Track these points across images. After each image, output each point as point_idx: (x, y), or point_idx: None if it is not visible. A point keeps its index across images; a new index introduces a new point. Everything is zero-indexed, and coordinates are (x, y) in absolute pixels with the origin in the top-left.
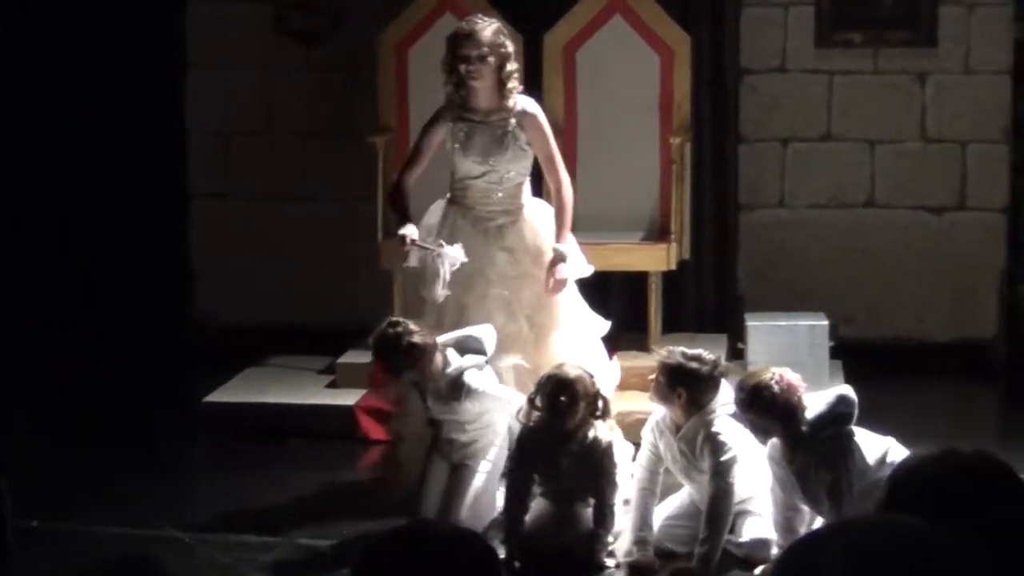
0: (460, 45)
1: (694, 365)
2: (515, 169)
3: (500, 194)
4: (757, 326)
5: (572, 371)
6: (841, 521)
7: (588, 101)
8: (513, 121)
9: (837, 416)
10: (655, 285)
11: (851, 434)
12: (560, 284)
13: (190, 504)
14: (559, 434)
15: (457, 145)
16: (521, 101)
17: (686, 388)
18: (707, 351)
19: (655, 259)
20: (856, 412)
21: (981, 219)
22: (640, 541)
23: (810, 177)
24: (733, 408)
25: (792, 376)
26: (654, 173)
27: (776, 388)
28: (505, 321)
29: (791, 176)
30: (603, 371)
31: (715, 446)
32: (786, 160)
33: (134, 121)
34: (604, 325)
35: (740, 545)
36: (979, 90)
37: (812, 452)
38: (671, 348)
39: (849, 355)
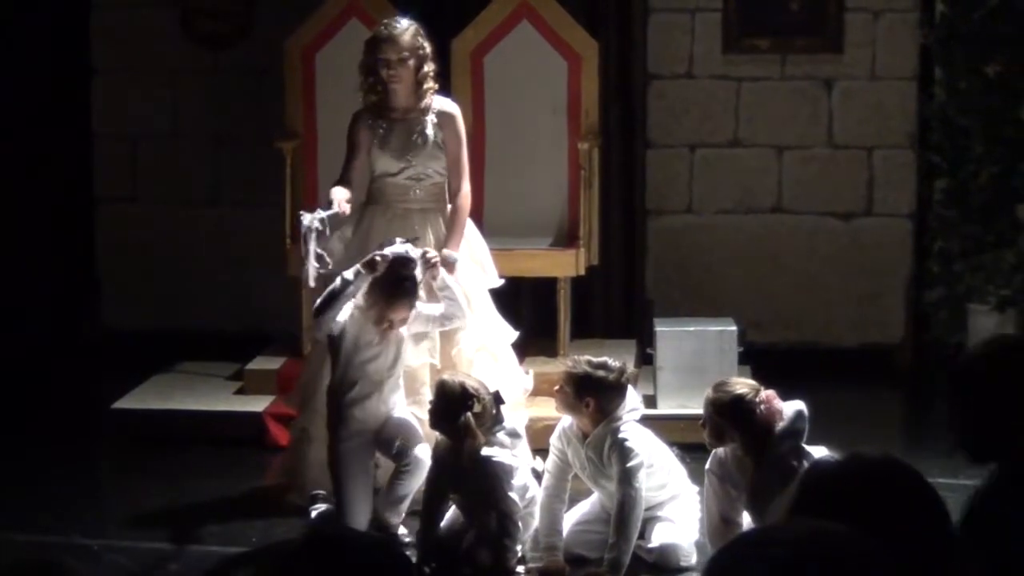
0: (380, 49)
1: (601, 374)
2: (432, 167)
3: (418, 191)
4: (666, 331)
5: (442, 378)
6: (763, 528)
7: (496, 107)
8: (433, 119)
9: (797, 432)
10: (564, 291)
11: (805, 451)
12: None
13: (98, 511)
14: (455, 445)
15: (376, 142)
16: (440, 101)
17: (593, 397)
18: (612, 358)
19: (563, 265)
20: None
21: (888, 224)
22: (550, 547)
23: (718, 182)
24: (640, 414)
25: (778, 404)
26: (562, 179)
27: (759, 409)
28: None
29: (699, 181)
30: (513, 379)
31: (622, 452)
32: (694, 165)
33: (40, 125)
34: (512, 334)
35: (650, 550)
36: (885, 96)
37: (774, 470)
38: (576, 357)
39: (757, 360)
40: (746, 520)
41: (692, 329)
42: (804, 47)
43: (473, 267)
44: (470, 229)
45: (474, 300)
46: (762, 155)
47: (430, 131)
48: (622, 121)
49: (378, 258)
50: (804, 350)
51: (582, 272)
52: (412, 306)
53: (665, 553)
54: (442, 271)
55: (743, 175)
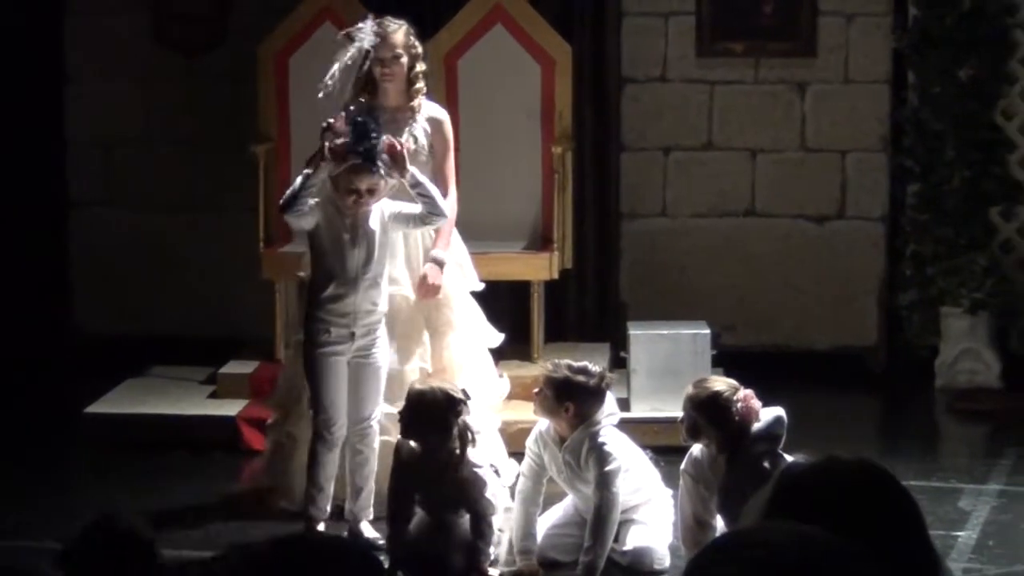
0: (375, 48)
1: (581, 379)
2: (417, 167)
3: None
4: (639, 335)
5: (417, 388)
6: (741, 531)
7: (470, 110)
8: (425, 125)
9: (773, 437)
10: (537, 294)
11: (780, 456)
12: (432, 289)
13: (71, 516)
14: (426, 451)
15: None
16: (430, 106)
17: (573, 401)
18: (592, 363)
19: (537, 268)
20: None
21: (860, 228)
22: (523, 551)
23: (691, 186)
24: (617, 419)
25: (756, 404)
26: (536, 182)
27: (736, 407)
28: (404, 321)
29: (672, 185)
30: (489, 383)
31: (600, 456)
32: (667, 169)
33: (14, 131)
34: (497, 337)
35: (624, 553)
36: (858, 99)
37: (746, 470)
38: (556, 361)
39: (731, 363)
40: (719, 522)
41: (666, 332)
42: (777, 51)
43: (455, 270)
44: (452, 233)
45: (457, 303)
46: (736, 159)
47: (421, 135)
48: (596, 124)
49: (336, 123)
50: (778, 353)
51: (556, 275)
52: (378, 174)
53: (639, 556)
54: (412, 169)
55: (717, 179)
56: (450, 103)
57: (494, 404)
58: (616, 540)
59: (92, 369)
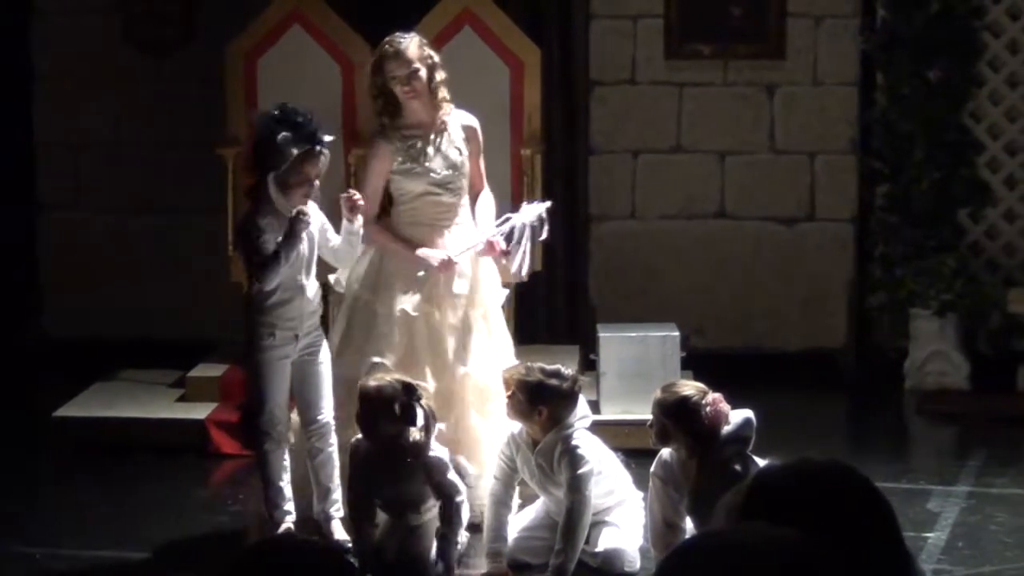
0: (388, 68)
1: (554, 382)
2: (460, 182)
3: (445, 206)
4: (609, 337)
5: (372, 384)
6: (712, 533)
7: None
8: (460, 133)
9: (743, 439)
10: (507, 297)
11: (751, 458)
12: (499, 252)
13: (40, 520)
14: (380, 446)
15: (410, 162)
16: (459, 114)
17: (546, 405)
18: (565, 366)
19: (506, 271)
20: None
21: (830, 229)
22: (494, 553)
23: (660, 188)
24: (590, 422)
25: (724, 407)
26: (505, 184)
27: (705, 411)
28: (431, 339)
29: (642, 187)
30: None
31: (573, 459)
32: (636, 171)
33: None
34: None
35: (595, 555)
36: (827, 102)
37: (716, 473)
38: (529, 364)
39: (700, 366)
40: (689, 525)
41: (635, 335)
42: (746, 53)
43: (495, 280)
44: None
45: (493, 313)
46: (705, 161)
47: (456, 146)
48: (565, 127)
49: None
50: (747, 355)
51: (525, 278)
52: (323, 154)
53: (609, 558)
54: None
55: (686, 181)
56: None
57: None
58: (587, 542)
59: (61, 372)
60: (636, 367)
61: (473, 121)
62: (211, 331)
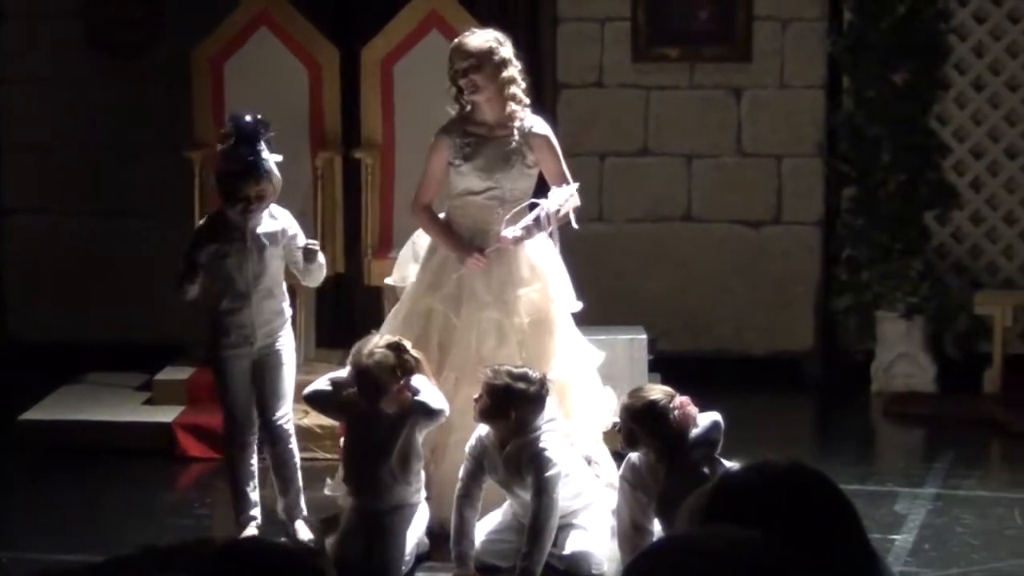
0: (452, 59)
1: (522, 386)
2: (519, 188)
3: (501, 212)
4: None
5: (374, 348)
6: (678, 536)
7: (405, 114)
8: (522, 140)
9: (711, 442)
10: None
11: (719, 460)
12: (503, 240)
13: (7, 523)
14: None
15: (460, 160)
16: (531, 120)
17: (514, 408)
18: (532, 370)
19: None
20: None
21: (796, 232)
22: (461, 556)
23: (628, 191)
24: (557, 424)
25: (692, 410)
26: (307, 187)
27: (672, 415)
28: (496, 344)
29: (609, 190)
30: (595, 403)
31: (540, 462)
32: (604, 174)
33: None
34: (599, 356)
35: (562, 558)
36: (794, 105)
37: (685, 476)
38: (496, 368)
39: (668, 368)
40: (657, 528)
41: (602, 338)
42: (713, 56)
43: (557, 289)
44: (553, 252)
45: (561, 326)
46: (671, 164)
47: (519, 151)
48: None
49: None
50: (714, 358)
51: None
52: (265, 179)
53: (576, 561)
54: (321, 258)
55: (653, 184)
56: (386, 108)
57: (603, 424)
58: (555, 544)
59: (27, 375)
60: (603, 370)
61: (543, 129)
62: (178, 334)
